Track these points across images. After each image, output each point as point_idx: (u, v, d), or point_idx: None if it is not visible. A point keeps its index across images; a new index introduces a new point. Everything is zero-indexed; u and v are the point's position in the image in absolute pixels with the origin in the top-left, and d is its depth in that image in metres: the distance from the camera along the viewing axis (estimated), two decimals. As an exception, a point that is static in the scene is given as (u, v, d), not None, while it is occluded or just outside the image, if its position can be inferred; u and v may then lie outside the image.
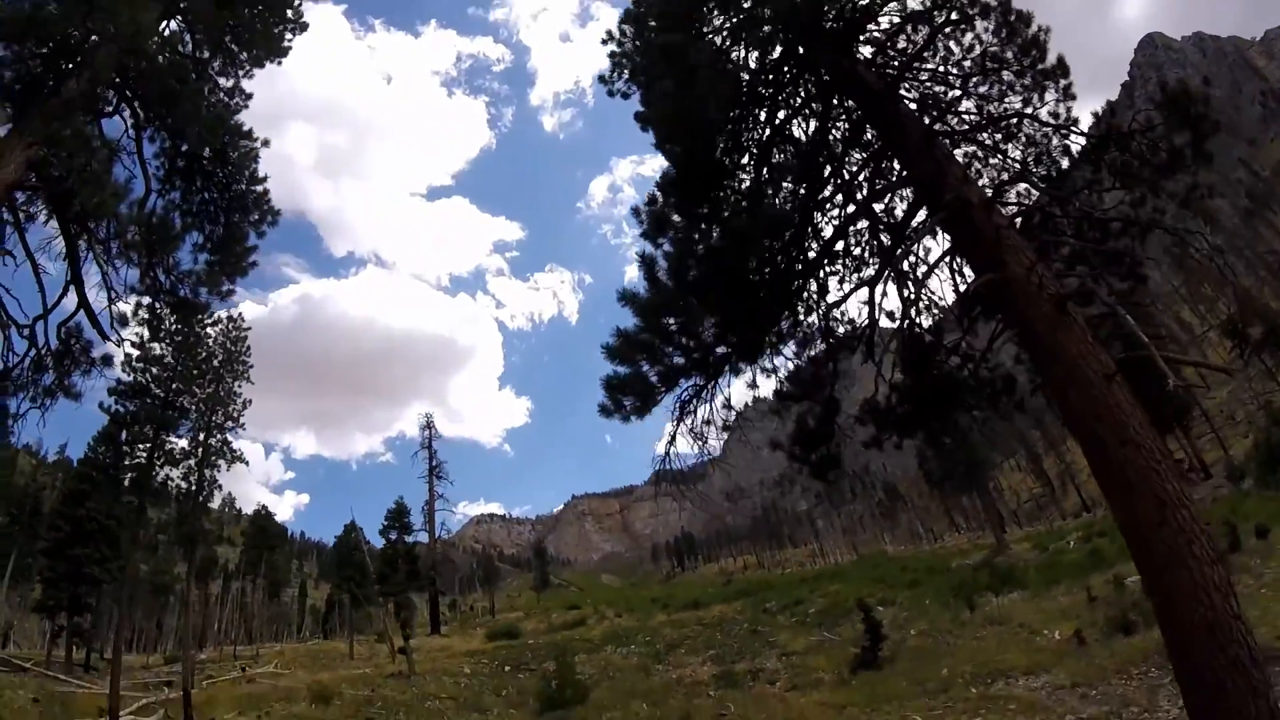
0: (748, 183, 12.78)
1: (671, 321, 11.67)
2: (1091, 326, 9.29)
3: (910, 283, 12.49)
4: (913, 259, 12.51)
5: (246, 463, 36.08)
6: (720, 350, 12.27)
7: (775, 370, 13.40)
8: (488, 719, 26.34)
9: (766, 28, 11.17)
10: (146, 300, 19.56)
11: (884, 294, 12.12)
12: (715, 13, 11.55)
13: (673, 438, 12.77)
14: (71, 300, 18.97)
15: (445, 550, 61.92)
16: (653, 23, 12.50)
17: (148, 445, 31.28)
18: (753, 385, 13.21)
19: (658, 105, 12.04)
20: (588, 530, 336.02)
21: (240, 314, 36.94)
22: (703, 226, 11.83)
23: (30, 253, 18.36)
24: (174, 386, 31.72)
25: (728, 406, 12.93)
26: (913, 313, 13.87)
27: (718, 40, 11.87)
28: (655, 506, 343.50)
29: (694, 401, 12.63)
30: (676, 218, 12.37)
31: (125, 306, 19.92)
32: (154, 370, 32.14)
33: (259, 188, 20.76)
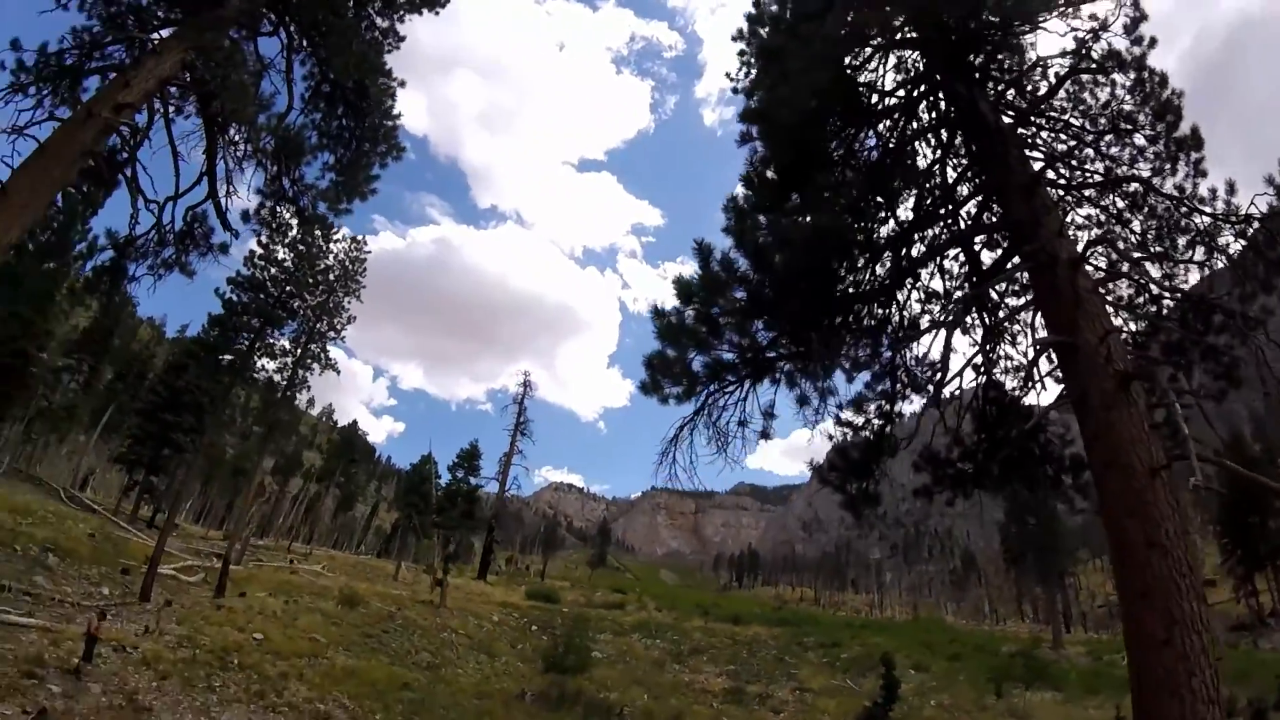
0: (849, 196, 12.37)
1: (723, 312, 11.35)
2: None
3: (990, 332, 11.98)
4: (992, 305, 12.00)
5: (338, 370, 38.23)
6: (770, 354, 11.92)
7: (829, 392, 12.72)
8: (493, 663, 27.10)
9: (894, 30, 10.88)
10: (269, 204, 21.32)
11: (953, 343, 11.62)
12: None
13: (686, 430, 12.25)
14: (202, 190, 20.47)
15: (517, 507, 62.93)
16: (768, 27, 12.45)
17: (251, 335, 33.35)
18: (803, 401, 12.59)
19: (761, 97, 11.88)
20: (658, 524, 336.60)
21: (363, 238, 38.93)
22: (784, 221, 11.37)
23: (173, 141, 19.73)
24: (288, 289, 33.77)
25: (769, 415, 12.56)
26: (995, 367, 13.38)
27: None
28: (730, 516, 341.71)
29: (729, 399, 12.25)
30: (761, 218, 12.12)
31: (249, 204, 21.65)
32: (272, 270, 34.25)
33: (390, 123, 21.86)
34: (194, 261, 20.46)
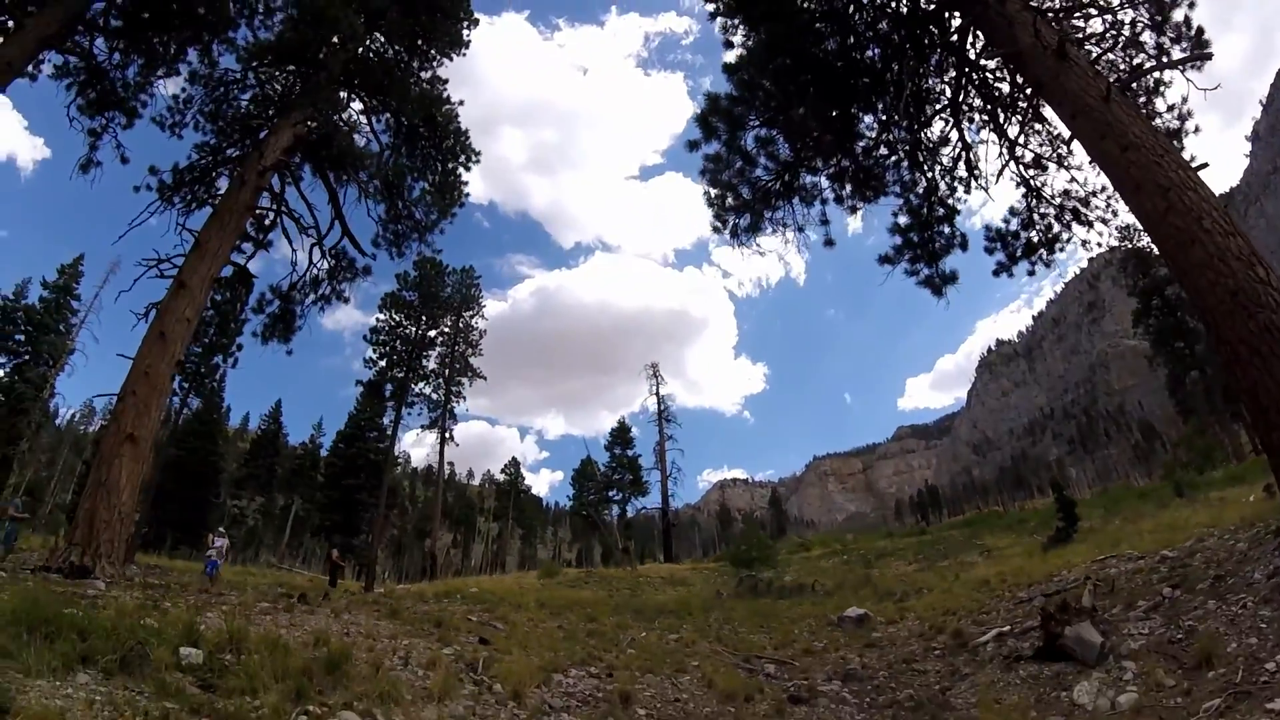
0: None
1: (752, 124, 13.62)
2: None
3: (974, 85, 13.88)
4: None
5: (484, 377, 42.72)
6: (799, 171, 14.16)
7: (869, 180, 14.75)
8: (689, 588, 29.58)
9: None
10: (391, 226, 25.32)
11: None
12: None
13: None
14: (336, 232, 24.71)
15: (689, 515, 65.12)
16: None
17: (404, 368, 38.23)
18: (840, 197, 14.66)
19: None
20: (830, 491, 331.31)
21: (471, 266, 43.56)
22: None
23: (305, 198, 24.24)
24: (423, 319, 38.78)
25: (824, 221, 14.98)
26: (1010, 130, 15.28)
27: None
28: (899, 463, 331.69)
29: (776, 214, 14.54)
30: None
31: (373, 232, 25.74)
32: (402, 315, 39.27)
33: (462, 139, 25.95)
34: (346, 288, 25.07)
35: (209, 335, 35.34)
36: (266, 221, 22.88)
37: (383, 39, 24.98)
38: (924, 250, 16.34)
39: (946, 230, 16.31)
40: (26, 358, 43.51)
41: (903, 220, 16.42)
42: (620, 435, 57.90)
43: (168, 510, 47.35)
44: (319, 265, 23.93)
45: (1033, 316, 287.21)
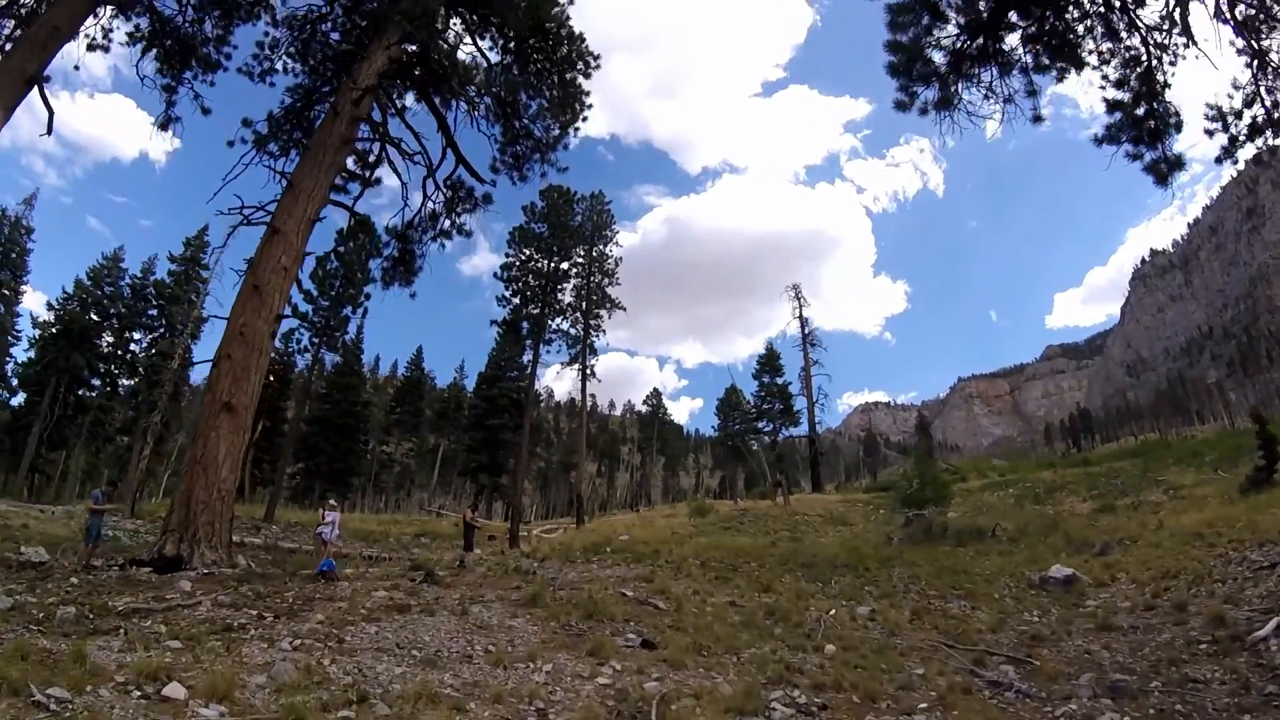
0: None
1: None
2: None
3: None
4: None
5: (623, 308, 41.03)
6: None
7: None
8: (852, 529, 27.11)
9: None
10: (509, 149, 23.15)
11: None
12: None
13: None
14: (449, 161, 22.71)
15: (829, 440, 62.26)
16: None
17: (539, 304, 36.69)
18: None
19: None
20: (976, 414, 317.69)
21: (601, 192, 41.26)
22: None
23: (412, 129, 22.22)
24: (555, 249, 36.95)
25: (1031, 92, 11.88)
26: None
27: None
28: (1049, 384, 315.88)
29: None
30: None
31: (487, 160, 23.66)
32: (533, 249, 37.53)
33: (578, 45, 23.21)
34: (466, 220, 23.08)
35: (335, 287, 34.90)
36: (371, 157, 21.07)
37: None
38: (1141, 130, 13.98)
39: (1161, 108, 13.90)
40: (162, 331, 44.90)
41: (1113, 95, 14.13)
42: (768, 362, 55.41)
43: (315, 461, 48.48)
44: (434, 199, 22.03)
45: (1188, 224, 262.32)
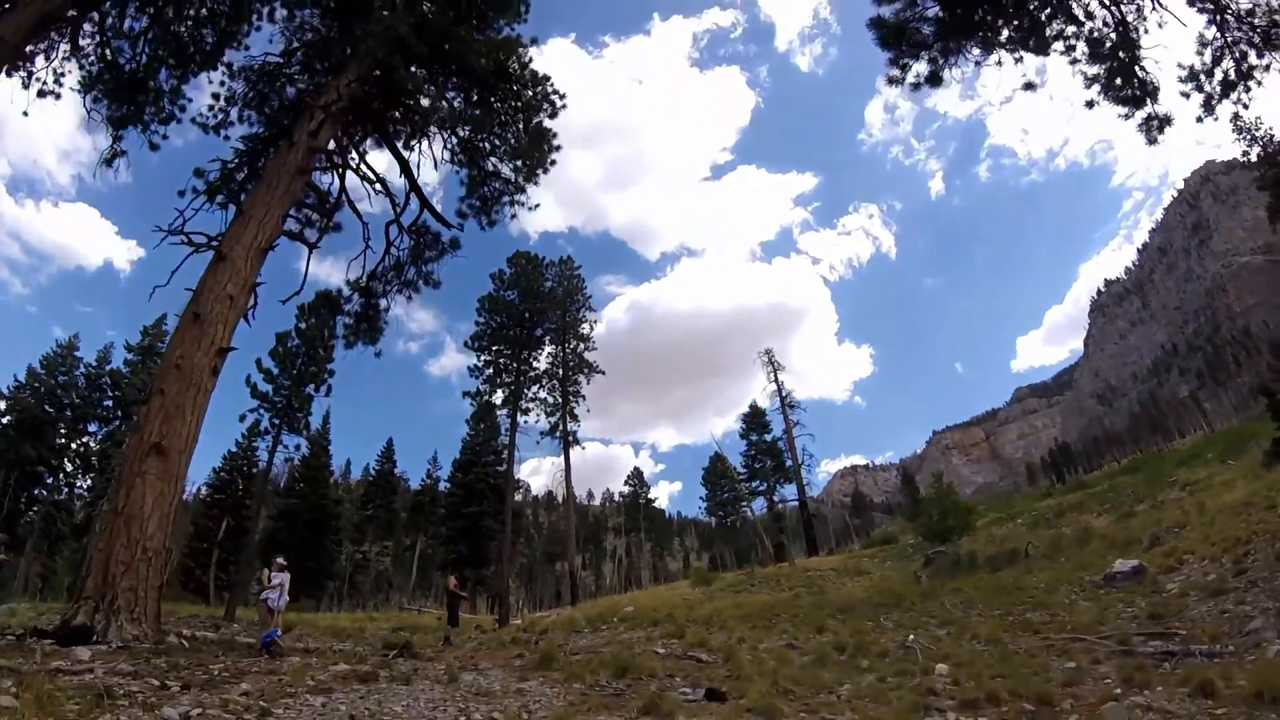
0: None
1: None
2: None
3: None
4: None
5: (602, 372, 39.05)
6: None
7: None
8: (870, 578, 25.04)
9: None
10: (477, 191, 21.66)
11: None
12: None
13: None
14: (413, 207, 21.08)
15: (814, 508, 60.49)
16: None
17: (514, 375, 34.76)
18: None
19: None
20: (955, 464, 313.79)
21: (570, 255, 40.31)
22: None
23: (375, 174, 20.64)
24: (526, 316, 35.26)
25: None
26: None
27: None
28: (1023, 426, 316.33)
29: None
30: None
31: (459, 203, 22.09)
32: (503, 316, 35.86)
33: (542, 86, 22.02)
34: (433, 269, 21.27)
35: (297, 365, 32.70)
36: (330, 201, 19.36)
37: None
38: (1120, 92, 14.90)
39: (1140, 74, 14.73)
40: (119, 423, 42.31)
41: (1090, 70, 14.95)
42: (754, 420, 53.71)
43: (287, 561, 45.18)
44: (399, 245, 20.31)
45: (1137, 250, 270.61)
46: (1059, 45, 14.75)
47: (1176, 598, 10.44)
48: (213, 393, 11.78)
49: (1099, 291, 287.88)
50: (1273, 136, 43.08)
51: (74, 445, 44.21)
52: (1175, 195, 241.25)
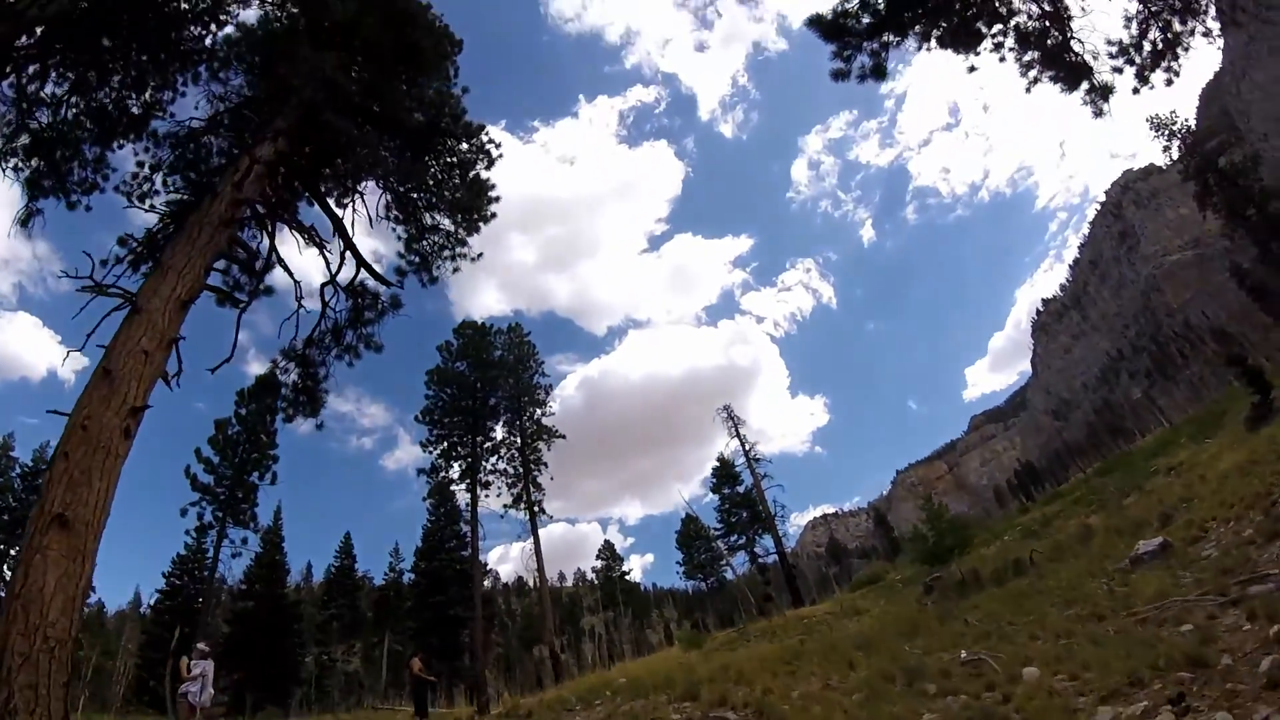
0: None
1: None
2: None
3: None
4: None
5: (564, 436, 37.63)
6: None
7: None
8: (868, 616, 23.63)
9: None
10: (415, 245, 20.55)
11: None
12: None
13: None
14: (349, 266, 19.89)
15: (793, 562, 59.30)
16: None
17: (469, 447, 33.08)
18: None
19: None
20: (922, 501, 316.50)
21: (519, 324, 39.28)
22: None
23: (312, 233, 19.48)
24: (478, 385, 33.76)
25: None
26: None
27: None
28: (984, 452, 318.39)
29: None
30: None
31: (395, 258, 20.91)
32: (454, 387, 34.39)
33: (476, 138, 21.25)
34: (374, 331, 19.87)
35: (239, 453, 30.77)
36: (259, 263, 18.01)
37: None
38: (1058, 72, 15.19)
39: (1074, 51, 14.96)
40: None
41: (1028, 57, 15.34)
42: (724, 472, 52.43)
43: (247, 668, 42.15)
44: (336, 308, 18.94)
45: (1069, 266, 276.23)
46: (988, 44, 15.09)
47: (1227, 555, 9.52)
48: (125, 459, 10.23)
49: (1038, 312, 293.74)
50: (1190, 127, 45.02)
51: (12, 551, 40.91)
52: (1098, 208, 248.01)
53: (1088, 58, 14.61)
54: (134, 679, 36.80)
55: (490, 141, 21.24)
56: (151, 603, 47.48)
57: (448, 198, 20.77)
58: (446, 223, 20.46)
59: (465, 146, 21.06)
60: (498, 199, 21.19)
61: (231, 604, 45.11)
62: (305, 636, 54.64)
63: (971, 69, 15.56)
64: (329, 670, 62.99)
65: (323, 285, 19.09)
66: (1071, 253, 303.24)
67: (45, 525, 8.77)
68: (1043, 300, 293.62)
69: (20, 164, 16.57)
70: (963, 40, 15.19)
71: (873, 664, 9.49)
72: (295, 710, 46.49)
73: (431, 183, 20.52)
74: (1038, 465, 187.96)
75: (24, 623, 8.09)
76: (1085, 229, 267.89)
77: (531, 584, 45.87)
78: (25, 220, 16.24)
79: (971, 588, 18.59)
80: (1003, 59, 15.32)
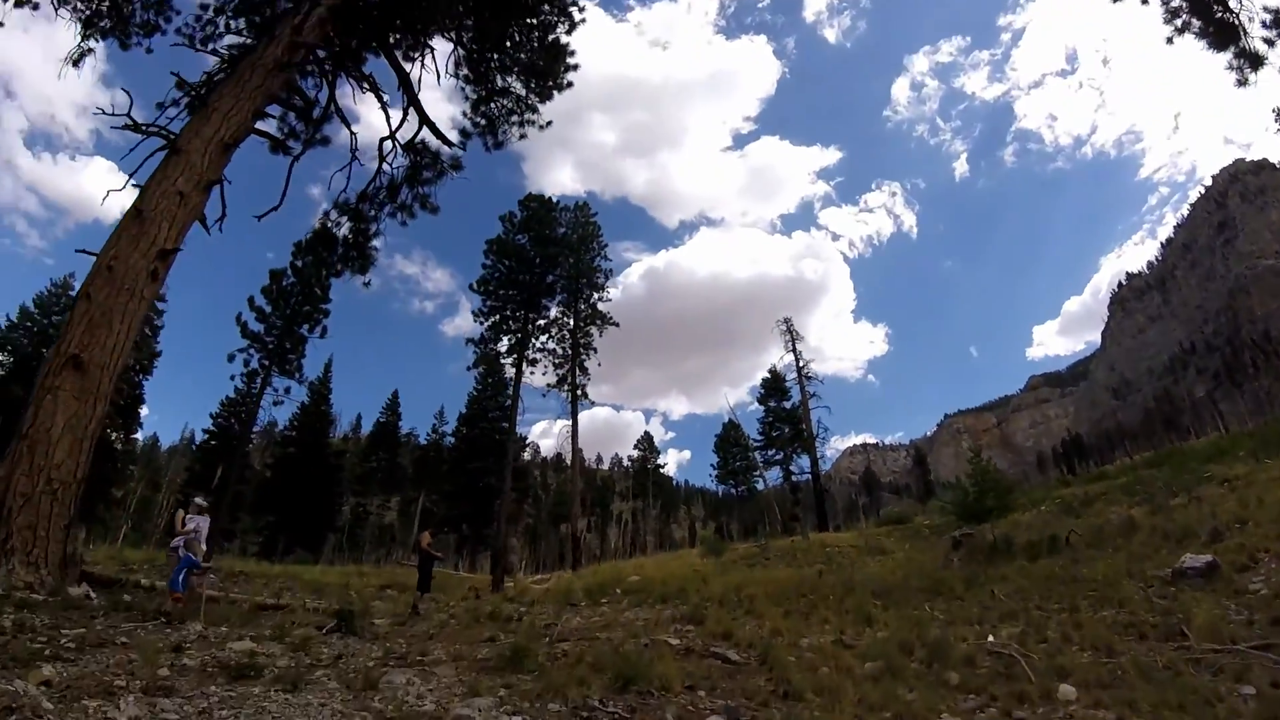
0: None
1: None
2: None
3: None
4: None
5: (617, 324, 36.99)
6: None
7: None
8: (893, 557, 23.16)
9: None
10: (482, 106, 19.69)
11: None
12: None
13: None
14: (411, 124, 19.19)
15: (824, 484, 58.54)
16: None
17: (521, 322, 32.82)
18: None
19: None
20: (965, 449, 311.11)
21: (586, 203, 37.99)
22: None
23: (375, 84, 18.74)
24: (537, 261, 33.12)
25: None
26: None
27: None
28: (1035, 414, 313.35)
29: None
30: None
31: (463, 119, 20.07)
32: (512, 260, 33.79)
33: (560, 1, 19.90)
34: (431, 192, 19.28)
35: (291, 304, 30.90)
36: (315, 113, 17.38)
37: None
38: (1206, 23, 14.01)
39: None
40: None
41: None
42: (773, 385, 51.34)
43: (282, 512, 43.76)
44: (394, 165, 18.34)
45: (1161, 245, 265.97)
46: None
47: (1278, 597, 8.78)
48: (151, 302, 9.98)
49: (1120, 285, 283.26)
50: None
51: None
52: (1202, 192, 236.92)
53: (1243, 19, 13.39)
54: (171, 514, 38.15)
55: (574, 4, 20.00)
56: (199, 442, 49.12)
57: (523, 60, 19.76)
58: (518, 86, 19.55)
59: (547, 7, 19.88)
60: (576, 67, 20.07)
61: (274, 449, 46.47)
62: (344, 486, 56.47)
63: (1115, -1, 13.60)
64: (363, 520, 65.34)
65: (381, 140, 18.50)
66: (1166, 231, 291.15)
67: (59, 366, 8.58)
68: (1127, 274, 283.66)
69: (80, 4, 15.98)
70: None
71: (891, 624, 9.01)
72: (326, 556, 48.51)
73: (507, 43, 19.47)
74: (1086, 440, 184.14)
75: (29, 464, 7.98)
76: (1185, 210, 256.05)
77: (568, 463, 46.26)
78: (77, 60, 15.75)
79: (1001, 555, 17.90)
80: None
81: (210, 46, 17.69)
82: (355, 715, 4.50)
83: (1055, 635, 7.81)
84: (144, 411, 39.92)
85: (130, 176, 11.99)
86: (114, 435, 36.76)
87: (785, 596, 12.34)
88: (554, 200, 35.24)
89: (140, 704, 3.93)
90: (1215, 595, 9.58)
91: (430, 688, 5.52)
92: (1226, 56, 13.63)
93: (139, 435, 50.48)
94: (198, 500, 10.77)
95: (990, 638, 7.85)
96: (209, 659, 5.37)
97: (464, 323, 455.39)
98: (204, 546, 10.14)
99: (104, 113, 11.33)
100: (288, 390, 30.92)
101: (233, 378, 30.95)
